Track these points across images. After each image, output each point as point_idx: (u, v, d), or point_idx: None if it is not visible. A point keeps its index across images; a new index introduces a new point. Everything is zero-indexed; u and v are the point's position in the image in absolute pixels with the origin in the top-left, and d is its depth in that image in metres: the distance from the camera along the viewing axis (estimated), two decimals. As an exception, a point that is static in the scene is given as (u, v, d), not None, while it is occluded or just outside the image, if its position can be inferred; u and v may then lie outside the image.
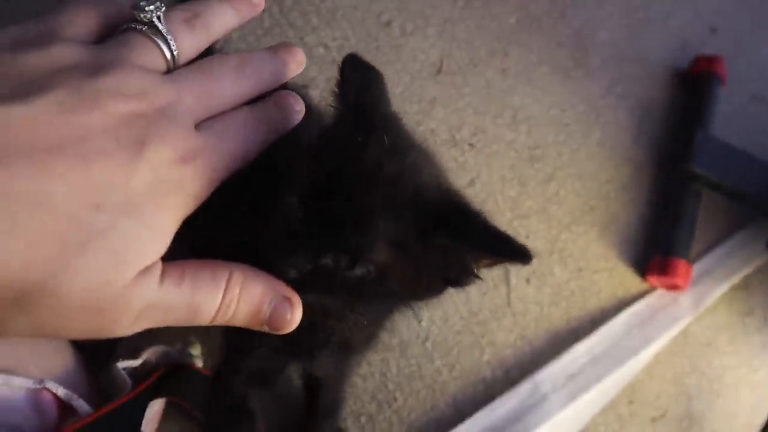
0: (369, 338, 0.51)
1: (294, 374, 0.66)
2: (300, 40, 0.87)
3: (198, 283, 0.31)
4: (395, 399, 0.77)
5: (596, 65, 1.06)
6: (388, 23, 0.93)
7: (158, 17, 0.32)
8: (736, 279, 1.04)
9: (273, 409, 0.71)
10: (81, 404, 0.41)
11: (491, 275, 0.87)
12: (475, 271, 0.39)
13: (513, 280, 0.89)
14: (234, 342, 0.51)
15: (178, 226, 0.30)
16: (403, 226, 0.36)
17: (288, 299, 0.34)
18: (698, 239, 1.01)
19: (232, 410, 0.49)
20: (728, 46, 1.14)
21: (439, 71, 0.95)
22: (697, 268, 0.99)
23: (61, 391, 0.41)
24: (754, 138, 1.06)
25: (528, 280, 0.90)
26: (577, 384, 0.84)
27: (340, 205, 0.35)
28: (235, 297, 0.32)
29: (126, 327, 0.29)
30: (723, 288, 1.02)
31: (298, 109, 0.37)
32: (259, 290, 0.33)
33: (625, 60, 1.09)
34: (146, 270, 0.29)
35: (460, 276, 0.39)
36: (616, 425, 0.89)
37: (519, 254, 0.36)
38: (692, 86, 1.08)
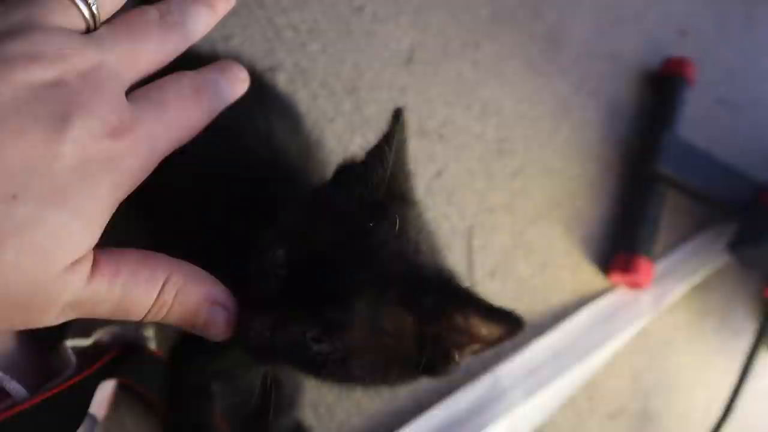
0: None
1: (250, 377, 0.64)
2: (268, 21, 0.85)
3: (132, 282, 0.28)
4: (354, 389, 0.76)
5: (567, 62, 1.06)
6: (360, 9, 0.91)
7: None
8: (696, 279, 1.05)
9: (230, 395, 0.69)
10: (15, 387, 0.38)
11: (455, 268, 0.86)
12: (457, 358, 0.36)
13: (477, 273, 0.88)
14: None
15: (112, 211, 0.27)
16: (386, 304, 0.34)
17: (226, 308, 0.32)
18: (661, 239, 1.01)
19: (191, 389, 0.47)
20: (697, 48, 1.16)
21: (410, 60, 0.93)
22: (659, 267, 1.00)
23: None
24: (718, 141, 1.07)
25: (492, 274, 0.90)
26: (538, 379, 0.84)
27: (329, 276, 0.33)
28: (170, 300, 0.29)
29: (52, 319, 0.27)
30: (683, 288, 1.03)
31: (243, 78, 0.35)
32: (197, 296, 0.30)
33: (596, 58, 1.09)
34: (76, 263, 0.26)
35: (440, 364, 0.36)
36: (575, 420, 0.90)
37: (513, 320, 0.34)
38: (661, 87, 1.09)
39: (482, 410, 0.78)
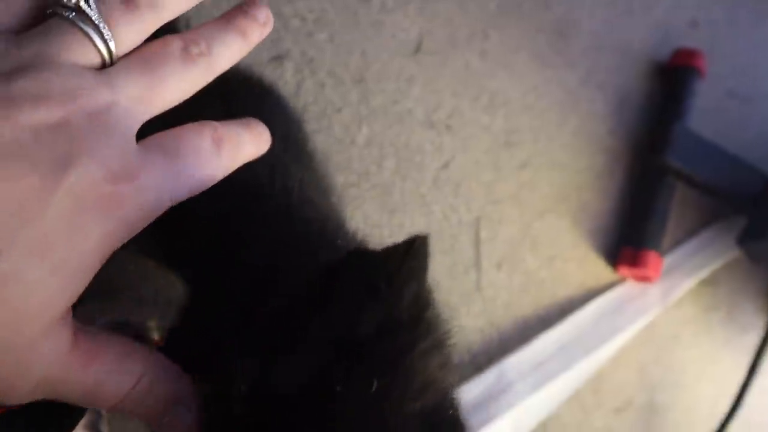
0: None
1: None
2: (276, 10, 0.84)
3: (107, 371, 0.26)
4: None
5: (576, 53, 1.05)
6: (368, -2, 0.90)
7: None
8: (704, 274, 1.04)
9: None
10: None
11: (462, 259, 0.86)
12: None
13: (484, 265, 0.88)
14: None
15: (101, 264, 0.25)
16: None
17: (191, 410, 0.30)
18: (670, 232, 1.01)
19: None
20: (708, 41, 1.14)
21: (417, 50, 0.93)
22: (667, 260, 0.99)
23: None
24: (728, 134, 1.06)
25: (499, 267, 0.89)
26: (544, 373, 0.83)
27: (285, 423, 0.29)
28: (141, 396, 0.28)
29: (20, 396, 0.25)
30: (691, 282, 1.02)
31: (266, 139, 0.32)
32: (166, 395, 0.29)
33: (605, 49, 1.08)
34: (52, 329, 0.24)
35: None
36: (581, 415, 0.89)
37: None
38: (671, 79, 1.08)
39: (488, 403, 0.78)
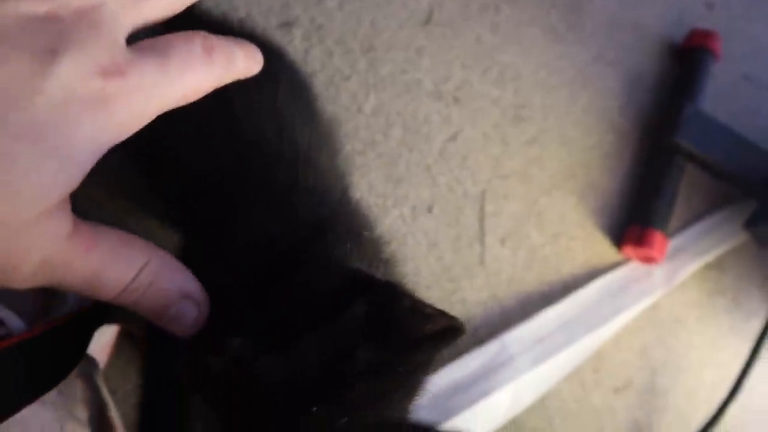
0: None
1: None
2: (286, -26, 0.83)
3: (108, 258, 0.27)
4: (359, 350, 0.75)
5: (588, 30, 1.04)
6: (380, -34, 0.89)
7: None
8: (710, 257, 1.03)
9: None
10: (7, 315, 0.37)
11: (466, 232, 0.85)
12: None
13: (488, 240, 0.87)
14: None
15: (96, 158, 0.25)
16: None
17: (198, 304, 0.30)
18: (677, 214, 1.00)
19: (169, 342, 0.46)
20: (723, 22, 1.13)
21: (428, 21, 0.91)
22: (673, 242, 0.99)
23: None
24: (741, 118, 1.05)
25: (503, 242, 0.88)
26: (545, 348, 0.83)
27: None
28: (144, 286, 0.28)
29: (23, 280, 0.25)
30: (697, 265, 1.02)
31: (258, 60, 0.32)
32: (170, 288, 0.29)
33: (619, 27, 1.07)
34: (51, 213, 0.24)
35: None
36: (580, 392, 0.89)
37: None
38: (685, 60, 1.06)
39: (488, 376, 0.78)
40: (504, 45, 0.96)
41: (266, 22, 0.83)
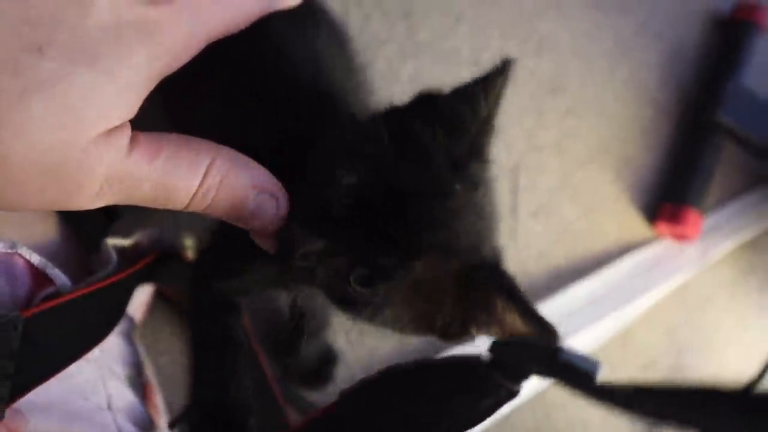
0: None
1: (279, 298, 0.63)
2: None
3: (174, 163, 0.26)
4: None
5: (632, 0, 1.01)
6: (421, -71, 0.87)
7: None
8: (744, 237, 1.02)
9: (261, 314, 0.69)
10: (57, 274, 0.38)
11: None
12: (474, 333, 0.35)
13: (520, 213, 0.86)
14: (218, 252, 0.48)
15: (150, 86, 0.25)
16: (440, 273, 0.32)
17: (275, 198, 0.29)
18: (712, 192, 0.98)
19: (216, 301, 0.46)
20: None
21: (468, -14, 0.89)
22: (707, 220, 0.97)
23: (35, 258, 0.37)
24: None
25: (536, 215, 0.88)
26: (573, 323, 0.83)
27: (397, 222, 0.31)
28: (215, 185, 0.27)
29: (89, 198, 0.25)
30: (730, 244, 1.00)
31: None
32: (243, 182, 0.28)
33: (663, -2, 1.04)
34: (110, 133, 0.24)
35: (453, 333, 0.35)
36: (607, 369, 0.88)
37: (547, 331, 0.32)
38: (729, 33, 1.03)
39: (515, 348, 0.78)
40: (544, 12, 0.94)
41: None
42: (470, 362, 0.35)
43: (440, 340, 0.36)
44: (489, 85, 0.34)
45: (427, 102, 0.35)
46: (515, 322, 0.33)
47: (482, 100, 0.34)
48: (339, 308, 0.36)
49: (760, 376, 0.89)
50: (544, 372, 0.33)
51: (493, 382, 0.34)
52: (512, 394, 0.34)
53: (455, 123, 0.34)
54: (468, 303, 0.34)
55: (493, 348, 0.35)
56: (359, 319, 0.36)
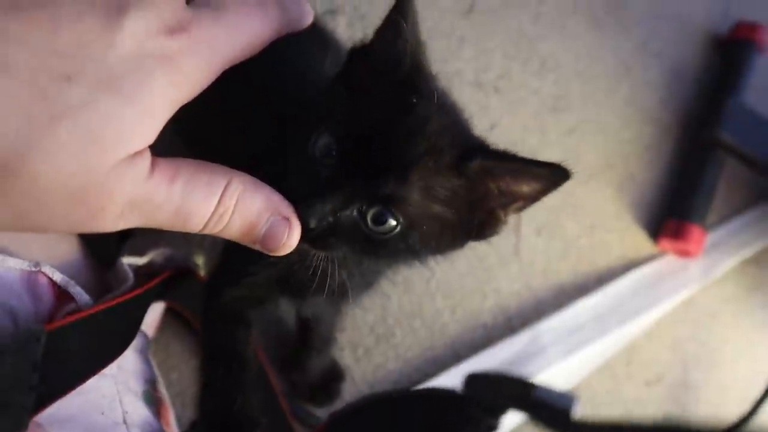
0: (366, 286, 0.49)
1: (286, 312, 0.65)
2: (331, -38, 0.84)
3: (191, 187, 0.28)
4: (394, 334, 0.77)
5: (632, 20, 1.03)
6: (423, -46, 0.89)
7: None
8: (748, 253, 1.02)
9: (269, 330, 0.71)
10: (78, 291, 0.39)
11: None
12: (503, 217, 0.38)
13: (523, 230, 0.88)
14: (230, 262, 0.50)
15: (170, 112, 0.27)
16: (439, 172, 0.35)
17: (287, 220, 0.31)
18: (714, 209, 0.99)
19: (226, 316, 0.48)
20: (770, 14, 1.10)
21: (470, 10, 0.91)
22: (710, 237, 0.98)
23: (57, 276, 0.39)
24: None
25: (539, 232, 0.89)
26: (578, 339, 0.83)
27: (379, 155, 0.34)
28: (230, 208, 0.29)
29: (111, 221, 0.26)
30: (734, 260, 1.01)
31: (309, 11, 0.33)
32: (257, 205, 0.30)
33: (663, 18, 1.05)
34: (132, 158, 0.26)
35: (488, 226, 0.38)
36: (611, 384, 0.89)
37: (555, 170, 0.35)
38: (729, 52, 1.05)
39: (519, 365, 0.78)
40: (546, 35, 0.96)
41: (312, 9, 0.84)
42: (448, 396, 0.36)
43: (480, 239, 0.38)
44: (403, 10, 0.37)
45: (360, 52, 0.39)
46: (527, 186, 0.37)
47: (403, 24, 0.37)
48: (375, 259, 0.40)
49: (749, 414, 0.87)
50: (519, 407, 0.34)
51: (473, 416, 0.35)
52: (491, 428, 0.35)
53: (390, 54, 0.37)
54: (481, 194, 0.37)
55: (469, 383, 0.36)
56: (394, 259, 0.40)
